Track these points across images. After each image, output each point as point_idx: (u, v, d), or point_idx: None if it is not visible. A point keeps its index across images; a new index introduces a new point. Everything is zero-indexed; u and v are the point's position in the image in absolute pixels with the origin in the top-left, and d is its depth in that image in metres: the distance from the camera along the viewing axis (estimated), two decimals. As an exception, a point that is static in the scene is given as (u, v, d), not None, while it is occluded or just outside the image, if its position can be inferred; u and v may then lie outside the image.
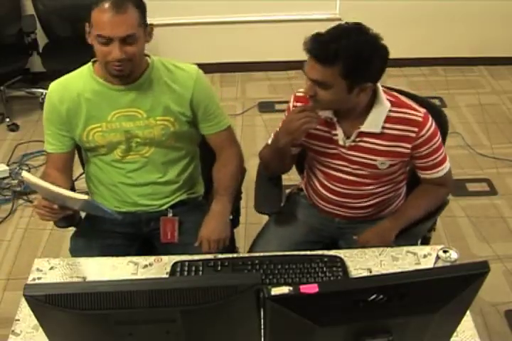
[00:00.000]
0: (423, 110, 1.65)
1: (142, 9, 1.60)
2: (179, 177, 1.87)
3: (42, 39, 3.62)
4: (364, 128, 1.65)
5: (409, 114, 1.63)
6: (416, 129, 1.62)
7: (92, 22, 1.55)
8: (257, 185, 1.96)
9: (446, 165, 1.74)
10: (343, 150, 1.71)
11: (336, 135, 1.70)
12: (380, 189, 1.78)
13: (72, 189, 1.91)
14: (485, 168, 3.19)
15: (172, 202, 1.88)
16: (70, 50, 3.55)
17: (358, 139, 1.68)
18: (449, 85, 4.04)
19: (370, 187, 1.77)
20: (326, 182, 1.82)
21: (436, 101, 3.84)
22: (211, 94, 1.82)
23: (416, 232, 1.80)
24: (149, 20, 1.62)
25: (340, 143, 1.70)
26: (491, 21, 4.00)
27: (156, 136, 1.75)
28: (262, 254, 1.65)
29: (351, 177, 1.76)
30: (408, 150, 1.66)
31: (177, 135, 1.78)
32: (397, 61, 3.78)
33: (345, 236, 1.89)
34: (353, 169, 1.73)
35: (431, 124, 1.64)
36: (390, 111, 1.64)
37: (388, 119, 1.64)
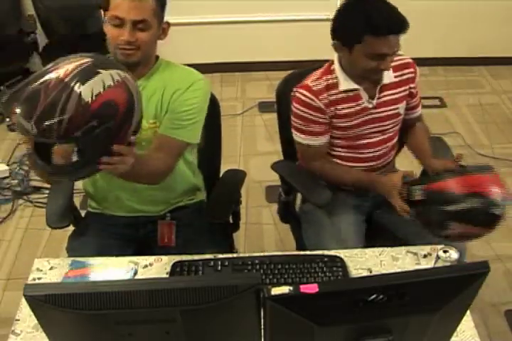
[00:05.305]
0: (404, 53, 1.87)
1: (162, 2, 1.59)
2: (177, 184, 1.83)
3: (42, 39, 3.63)
4: (384, 81, 1.83)
5: (401, 59, 1.88)
6: (412, 69, 1.89)
7: (109, 3, 1.52)
8: (301, 182, 1.96)
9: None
10: (372, 111, 1.84)
11: (362, 103, 1.81)
12: (396, 138, 1.99)
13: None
14: (485, 168, 3.18)
15: (171, 207, 1.87)
16: (70, 50, 3.55)
17: (381, 95, 1.84)
18: (449, 85, 4.04)
19: (391, 142, 1.95)
20: (353, 155, 1.92)
21: (437, 101, 3.84)
22: (199, 106, 1.68)
23: None
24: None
25: (369, 106, 1.83)
26: (491, 21, 4.01)
27: (146, 140, 1.65)
28: (261, 254, 1.65)
29: (378, 138, 1.90)
30: (414, 90, 1.91)
31: None
32: (397, 61, 3.79)
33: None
34: (383, 126, 1.88)
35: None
36: None
37: (393, 69, 1.84)
